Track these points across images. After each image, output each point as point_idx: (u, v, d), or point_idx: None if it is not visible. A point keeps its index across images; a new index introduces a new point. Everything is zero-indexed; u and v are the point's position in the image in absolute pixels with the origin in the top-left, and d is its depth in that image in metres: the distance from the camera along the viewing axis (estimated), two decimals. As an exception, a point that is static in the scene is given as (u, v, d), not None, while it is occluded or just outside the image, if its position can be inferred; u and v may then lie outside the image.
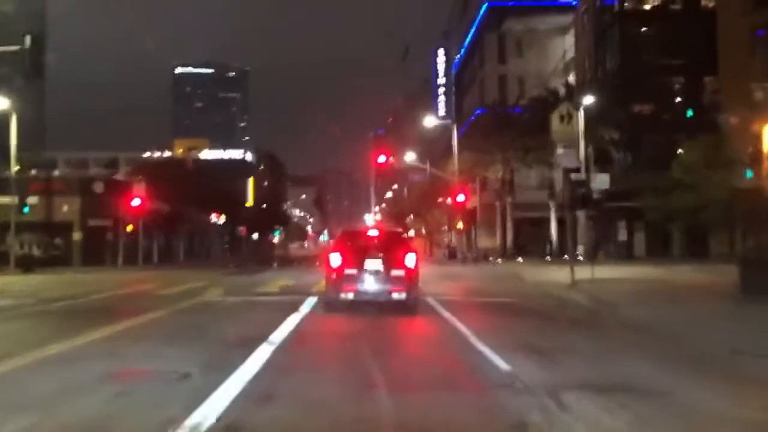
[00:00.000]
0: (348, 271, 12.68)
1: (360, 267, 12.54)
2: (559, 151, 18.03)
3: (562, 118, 18.12)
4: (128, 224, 40.63)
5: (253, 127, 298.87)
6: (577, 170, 18.48)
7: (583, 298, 15.39)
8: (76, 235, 40.58)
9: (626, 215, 40.66)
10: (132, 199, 39.11)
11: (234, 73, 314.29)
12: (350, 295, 12.72)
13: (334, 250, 13.31)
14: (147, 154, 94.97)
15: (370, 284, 12.59)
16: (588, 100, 36.23)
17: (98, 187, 41.39)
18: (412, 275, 12.94)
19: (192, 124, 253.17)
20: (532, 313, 13.46)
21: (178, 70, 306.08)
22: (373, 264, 12.60)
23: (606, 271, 24.02)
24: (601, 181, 18.04)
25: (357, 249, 13.03)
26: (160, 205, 45.96)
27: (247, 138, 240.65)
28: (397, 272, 12.59)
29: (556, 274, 24.30)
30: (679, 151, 37.61)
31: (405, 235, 14.65)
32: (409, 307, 13.12)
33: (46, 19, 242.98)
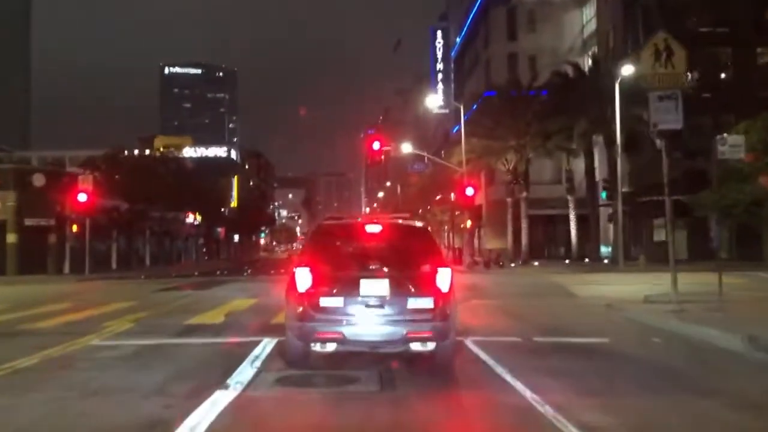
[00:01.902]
0: (326, 302, 6.88)
1: (349, 292, 6.88)
2: (654, 104, 11.79)
3: (658, 53, 11.87)
4: (73, 224, 34.03)
5: (243, 128, 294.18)
6: (679, 134, 12.37)
7: (728, 338, 9.10)
8: (11, 237, 33.93)
9: (664, 211, 34.43)
10: (77, 194, 32.58)
11: (222, 74, 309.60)
12: (330, 347, 7.10)
13: (302, 262, 7.19)
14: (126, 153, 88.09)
15: (368, 325, 6.87)
16: (627, 69, 30.49)
17: (38, 180, 34.67)
18: (445, 307, 6.96)
19: (180, 125, 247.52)
20: (686, 382, 7.07)
21: (167, 70, 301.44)
22: (375, 286, 6.91)
23: (667, 281, 18.20)
24: (733, 147, 11.84)
25: (344, 258, 7.41)
26: (117, 202, 39.43)
27: (236, 139, 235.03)
28: (419, 301, 6.90)
29: (615, 287, 18.58)
30: (724, 135, 31.37)
31: (429, 231, 8.44)
32: (443, 370, 7.12)
33: (30, 17, 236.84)
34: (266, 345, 8.71)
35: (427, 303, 6.83)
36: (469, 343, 8.95)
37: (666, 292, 15.21)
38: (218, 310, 13.27)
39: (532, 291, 18.40)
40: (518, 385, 6.44)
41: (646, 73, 11.97)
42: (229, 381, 6.61)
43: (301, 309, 6.82)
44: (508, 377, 6.84)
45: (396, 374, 6.98)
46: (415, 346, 7.01)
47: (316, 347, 7.06)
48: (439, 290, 6.91)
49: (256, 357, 7.91)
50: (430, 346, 7.01)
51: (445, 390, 6.50)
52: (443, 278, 6.98)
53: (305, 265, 6.99)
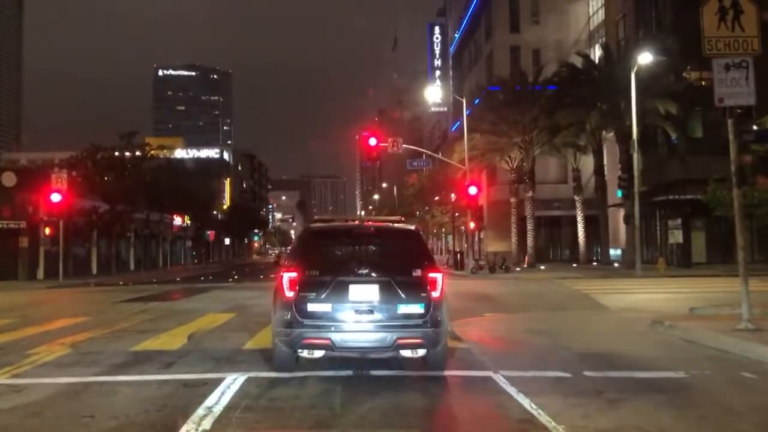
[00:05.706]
0: (314, 307, 6.70)
1: (338, 297, 6.72)
2: (719, 74, 9.52)
3: (723, 12, 9.64)
4: (47, 226, 31.54)
5: (237, 130, 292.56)
6: (750, 111, 10.15)
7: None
8: (-23, 241, 31.53)
9: (681, 211, 32.24)
10: (50, 194, 30.15)
11: (217, 76, 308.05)
12: (318, 353, 6.90)
13: (290, 267, 6.94)
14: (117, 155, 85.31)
15: (357, 331, 6.72)
16: (645, 58, 28.25)
17: (8, 179, 32.20)
18: (437, 313, 6.81)
19: (174, 127, 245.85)
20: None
21: (161, 72, 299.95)
22: (364, 292, 6.74)
23: (710, 288, 17.31)
24: None
25: (333, 262, 7.23)
26: (96, 203, 37.00)
27: (230, 141, 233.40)
28: (409, 307, 6.76)
29: (644, 296, 16.86)
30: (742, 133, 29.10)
31: (420, 234, 8.14)
32: (437, 380, 6.93)
33: (23, 19, 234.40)
34: (228, 386, 6.39)
35: (417, 309, 6.70)
36: (501, 380, 6.68)
37: (715, 303, 13.04)
38: (182, 329, 10.88)
39: (554, 301, 16.08)
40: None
41: (711, 35, 9.67)
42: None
43: (288, 315, 6.65)
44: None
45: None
46: (405, 353, 6.86)
47: (304, 353, 6.86)
48: (430, 296, 6.75)
49: (209, 410, 5.55)
50: (421, 352, 6.89)
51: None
52: (434, 283, 6.80)
53: (293, 270, 6.80)
